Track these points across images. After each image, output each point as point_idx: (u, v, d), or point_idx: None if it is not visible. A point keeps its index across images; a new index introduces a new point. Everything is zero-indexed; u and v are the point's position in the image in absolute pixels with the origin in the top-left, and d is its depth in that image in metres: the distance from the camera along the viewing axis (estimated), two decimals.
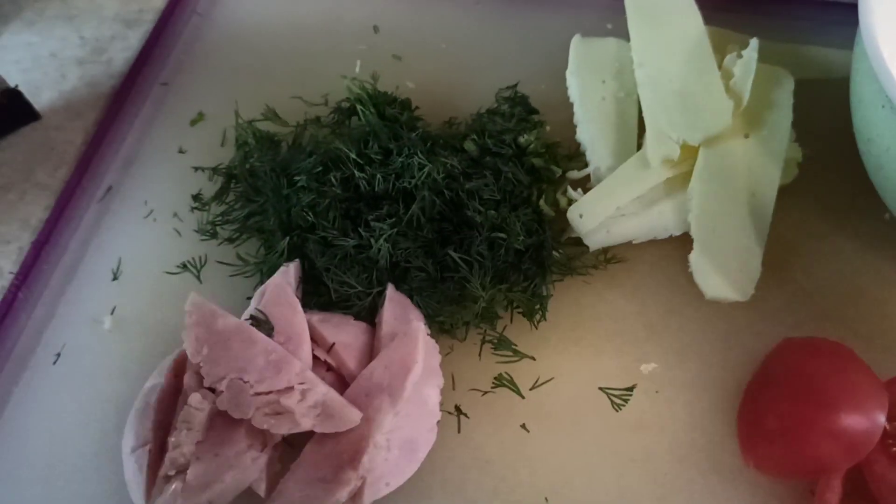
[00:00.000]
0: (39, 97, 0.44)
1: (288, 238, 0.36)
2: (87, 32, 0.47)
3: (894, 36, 0.33)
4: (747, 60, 0.36)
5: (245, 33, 0.45)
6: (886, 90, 0.29)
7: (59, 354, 0.36)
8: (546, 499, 0.31)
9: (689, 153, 0.35)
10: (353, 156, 0.37)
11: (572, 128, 0.39)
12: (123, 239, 0.38)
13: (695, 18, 0.38)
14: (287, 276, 0.34)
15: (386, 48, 0.43)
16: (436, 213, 0.35)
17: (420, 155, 0.36)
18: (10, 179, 0.42)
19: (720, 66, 0.37)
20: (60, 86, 0.45)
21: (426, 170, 0.35)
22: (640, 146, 0.37)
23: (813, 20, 0.41)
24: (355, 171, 0.36)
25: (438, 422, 0.32)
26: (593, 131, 0.38)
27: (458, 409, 0.33)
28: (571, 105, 0.39)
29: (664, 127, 0.35)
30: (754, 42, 0.37)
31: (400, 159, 0.36)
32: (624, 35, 0.39)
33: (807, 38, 0.40)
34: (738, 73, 0.36)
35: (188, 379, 0.32)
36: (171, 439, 0.31)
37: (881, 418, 0.29)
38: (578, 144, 0.38)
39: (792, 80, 0.36)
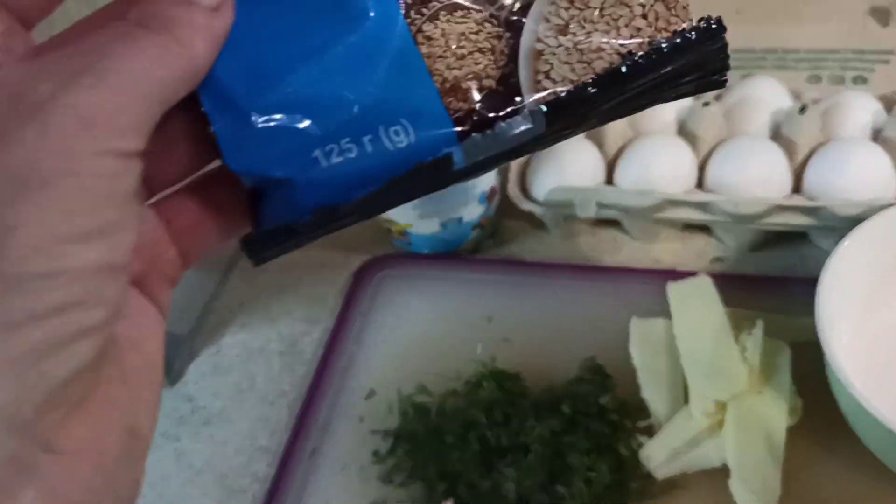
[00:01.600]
0: (266, 383, 0.63)
1: (444, 485, 0.52)
2: (284, 331, 0.66)
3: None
4: (755, 338, 0.52)
5: (395, 327, 0.63)
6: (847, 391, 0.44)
7: None
8: None
9: (721, 406, 0.50)
10: (483, 420, 0.53)
11: (637, 386, 0.54)
12: (327, 489, 0.55)
13: (717, 306, 0.54)
14: None
15: (498, 333, 0.60)
16: (546, 461, 0.51)
17: (531, 419, 0.52)
18: (241, 445, 0.60)
19: (737, 340, 0.53)
20: (268, 373, 0.63)
21: (536, 430, 0.52)
22: (686, 399, 0.52)
23: (806, 294, 0.56)
24: (487, 432, 0.53)
25: None
26: (652, 392, 0.53)
27: None
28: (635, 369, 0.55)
29: (700, 389, 0.51)
30: (760, 324, 0.52)
31: (516, 421, 0.53)
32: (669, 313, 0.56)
33: (802, 309, 0.55)
34: (749, 348, 0.52)
35: None
36: None
37: None
38: (643, 399, 0.54)
39: (789, 350, 0.52)
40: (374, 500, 0.54)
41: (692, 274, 0.58)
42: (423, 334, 0.62)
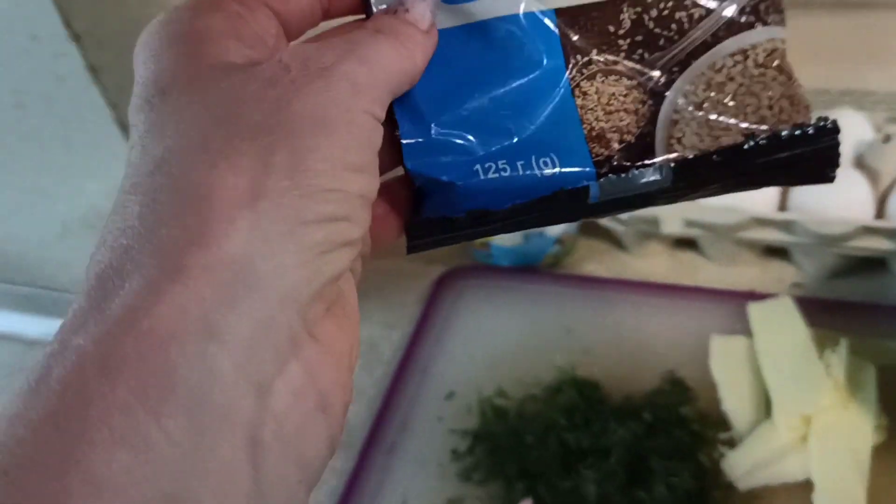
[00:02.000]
0: None
1: (523, 484, 0.53)
2: (363, 333, 0.67)
3: None
4: (839, 356, 0.52)
5: (475, 333, 0.64)
6: None
7: None
8: None
9: (806, 420, 0.51)
10: (563, 422, 0.54)
11: (717, 400, 0.55)
12: (405, 484, 0.56)
13: (800, 324, 0.55)
14: None
15: (578, 345, 0.61)
16: (626, 464, 0.51)
17: (612, 423, 0.53)
18: None
19: (821, 358, 0.53)
20: None
21: (618, 433, 0.52)
22: (768, 413, 0.53)
23: (890, 319, 0.57)
24: (567, 434, 0.53)
25: None
26: (734, 405, 0.54)
27: None
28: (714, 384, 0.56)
29: (785, 402, 0.51)
30: (844, 342, 0.53)
31: (597, 425, 0.53)
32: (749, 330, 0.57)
33: (886, 333, 0.56)
34: (834, 364, 0.52)
35: None
36: None
37: None
38: (723, 412, 0.54)
39: (874, 369, 0.52)
40: (452, 497, 0.54)
41: (772, 296, 0.59)
42: (503, 342, 0.63)
